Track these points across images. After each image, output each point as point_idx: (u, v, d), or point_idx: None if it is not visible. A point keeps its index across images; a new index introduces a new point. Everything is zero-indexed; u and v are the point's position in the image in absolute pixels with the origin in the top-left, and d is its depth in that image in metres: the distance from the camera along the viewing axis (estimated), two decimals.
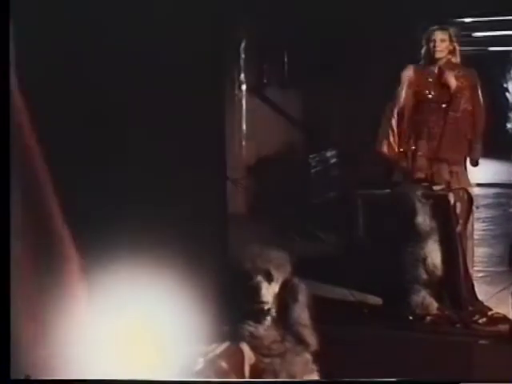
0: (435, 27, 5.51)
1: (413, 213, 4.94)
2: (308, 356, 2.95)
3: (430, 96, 5.52)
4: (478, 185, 7.08)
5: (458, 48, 5.54)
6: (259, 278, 2.88)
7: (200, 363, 2.73)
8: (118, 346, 2.56)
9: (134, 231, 3.44)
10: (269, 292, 2.90)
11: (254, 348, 2.85)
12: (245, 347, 2.85)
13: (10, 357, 2.11)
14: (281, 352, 2.89)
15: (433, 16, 6.15)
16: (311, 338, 2.93)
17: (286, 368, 2.88)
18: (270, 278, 2.92)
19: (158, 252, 3.33)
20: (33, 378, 2.13)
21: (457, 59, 5.53)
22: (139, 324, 2.78)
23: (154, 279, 2.94)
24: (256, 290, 2.86)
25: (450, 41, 5.50)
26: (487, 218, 7.12)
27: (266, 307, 2.90)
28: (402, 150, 5.56)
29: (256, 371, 2.86)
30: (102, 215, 3.35)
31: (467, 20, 8.44)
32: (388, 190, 5.42)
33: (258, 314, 2.88)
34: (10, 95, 2.10)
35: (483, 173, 5.82)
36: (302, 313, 2.95)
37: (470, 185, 5.57)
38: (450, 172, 5.47)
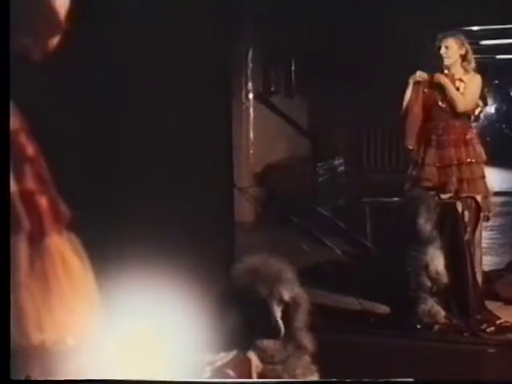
0: (444, 33, 5.51)
1: (415, 215, 4.92)
2: (310, 364, 2.95)
3: (438, 102, 5.52)
4: None
5: (470, 53, 5.52)
6: (265, 292, 2.86)
7: (207, 372, 2.73)
8: (124, 354, 2.56)
9: (141, 240, 3.45)
10: (278, 308, 2.89)
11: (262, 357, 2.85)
12: (252, 356, 2.85)
13: (10, 357, 2.11)
14: (282, 359, 2.89)
15: (440, 24, 6.15)
16: (309, 342, 2.93)
17: (289, 374, 2.88)
18: (277, 295, 2.90)
19: (165, 260, 3.33)
20: (33, 378, 2.13)
21: (470, 65, 5.51)
22: (146, 332, 2.78)
23: (161, 287, 2.94)
24: (266, 308, 2.85)
25: (461, 46, 5.48)
26: (495, 226, 7.10)
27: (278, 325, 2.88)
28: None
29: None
30: (110, 224, 3.35)
31: (475, 28, 8.44)
32: (396, 198, 5.42)
33: (268, 330, 2.87)
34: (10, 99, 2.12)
35: (491, 181, 5.80)
36: (303, 319, 2.94)
37: (488, 192, 5.55)
38: (460, 180, 5.46)
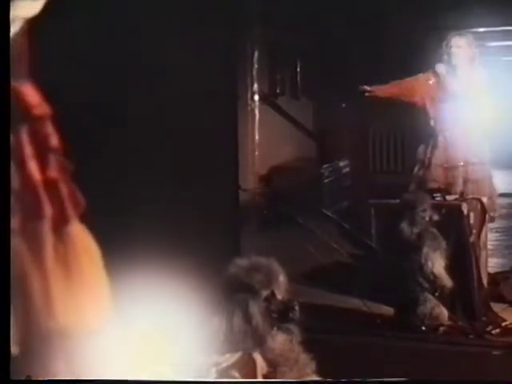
0: (454, 33, 5.50)
1: (401, 218, 4.95)
2: (315, 364, 2.96)
3: (445, 102, 5.53)
4: None
5: (478, 55, 5.52)
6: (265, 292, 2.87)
7: (213, 373, 2.73)
8: (130, 354, 2.57)
9: (147, 241, 3.45)
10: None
11: (267, 358, 2.86)
12: (257, 357, 2.85)
13: (10, 357, 2.12)
14: (293, 358, 2.90)
15: (446, 26, 6.14)
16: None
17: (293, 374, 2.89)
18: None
19: (172, 262, 3.34)
20: (33, 378, 2.14)
21: (475, 66, 5.51)
22: (152, 333, 2.78)
23: (167, 289, 2.95)
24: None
25: (470, 47, 5.48)
26: (500, 228, 7.09)
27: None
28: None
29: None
30: (118, 227, 3.36)
31: (481, 30, 8.42)
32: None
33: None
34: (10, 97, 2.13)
35: (497, 183, 5.80)
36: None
37: (494, 193, 5.55)
38: (466, 180, 5.46)
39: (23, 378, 2.13)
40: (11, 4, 2.04)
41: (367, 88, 5.61)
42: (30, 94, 2.10)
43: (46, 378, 2.14)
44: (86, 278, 2.16)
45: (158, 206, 3.70)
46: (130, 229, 3.45)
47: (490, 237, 5.95)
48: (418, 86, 5.58)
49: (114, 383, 2.41)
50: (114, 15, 3.45)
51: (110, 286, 2.26)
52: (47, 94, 2.16)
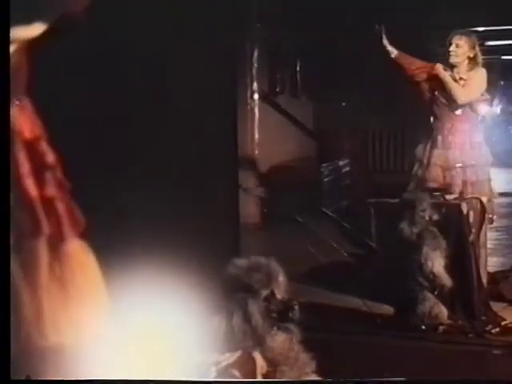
0: (457, 31, 5.46)
1: (400, 218, 4.94)
2: (315, 364, 2.96)
3: (444, 101, 5.50)
4: None
5: (479, 56, 5.47)
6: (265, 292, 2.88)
7: (212, 372, 2.74)
8: (129, 354, 2.57)
9: (146, 242, 3.46)
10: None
11: (267, 358, 2.86)
12: (257, 356, 2.85)
13: (10, 357, 2.13)
14: (292, 356, 2.90)
15: (446, 25, 6.14)
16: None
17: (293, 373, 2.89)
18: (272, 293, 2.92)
19: (171, 262, 3.34)
20: (33, 378, 2.14)
21: (476, 66, 5.46)
22: (151, 332, 2.79)
23: (167, 288, 2.95)
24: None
25: (472, 49, 5.43)
26: (500, 227, 7.10)
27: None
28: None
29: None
30: (117, 225, 3.36)
31: (480, 29, 8.43)
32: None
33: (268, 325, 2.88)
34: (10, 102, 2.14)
35: (497, 182, 5.80)
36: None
37: (492, 194, 5.54)
38: (465, 182, 5.45)
39: (23, 377, 2.14)
40: (11, 27, 2.05)
41: (386, 41, 5.55)
42: (18, 118, 2.10)
43: (46, 378, 2.15)
44: (84, 296, 2.16)
45: (157, 205, 3.71)
46: (129, 229, 3.45)
47: (490, 236, 5.95)
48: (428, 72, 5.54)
49: (114, 383, 2.42)
50: (113, 16, 3.45)
51: (109, 287, 2.27)
52: (44, 112, 2.16)
